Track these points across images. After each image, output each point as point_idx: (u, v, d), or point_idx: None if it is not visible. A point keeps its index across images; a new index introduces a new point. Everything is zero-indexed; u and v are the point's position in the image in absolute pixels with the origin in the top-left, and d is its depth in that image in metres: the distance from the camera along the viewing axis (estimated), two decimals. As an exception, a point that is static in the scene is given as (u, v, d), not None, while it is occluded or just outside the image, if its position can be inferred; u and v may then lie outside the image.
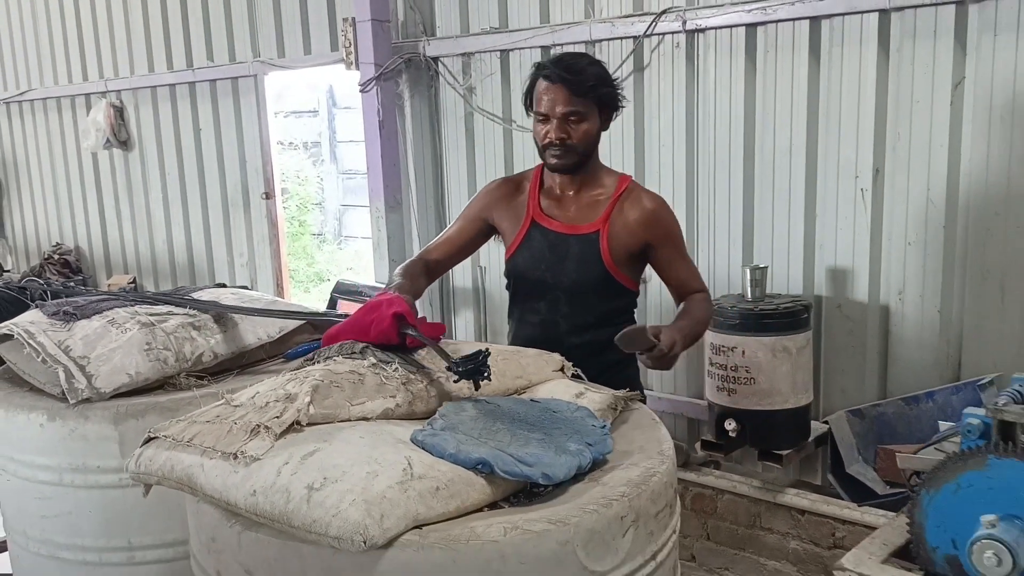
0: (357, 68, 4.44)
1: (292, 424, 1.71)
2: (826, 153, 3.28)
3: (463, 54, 4.31)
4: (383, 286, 4.48)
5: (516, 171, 4.23)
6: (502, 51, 4.17)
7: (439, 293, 4.70)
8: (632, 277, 2.48)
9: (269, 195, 5.47)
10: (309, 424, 1.75)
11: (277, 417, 1.72)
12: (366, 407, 1.86)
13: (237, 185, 5.73)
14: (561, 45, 3.93)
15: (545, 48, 4.01)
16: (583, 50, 3.83)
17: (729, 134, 3.49)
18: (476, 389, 1.91)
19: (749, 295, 3.18)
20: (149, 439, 1.81)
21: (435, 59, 4.42)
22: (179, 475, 1.71)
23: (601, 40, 3.80)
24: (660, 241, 2.42)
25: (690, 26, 3.49)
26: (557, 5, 3.96)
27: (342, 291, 4.60)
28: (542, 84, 2.34)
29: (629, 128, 3.79)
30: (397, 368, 1.99)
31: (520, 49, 4.10)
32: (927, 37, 2.99)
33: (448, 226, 2.61)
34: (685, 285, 2.45)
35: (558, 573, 1.59)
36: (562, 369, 2.31)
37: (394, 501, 1.53)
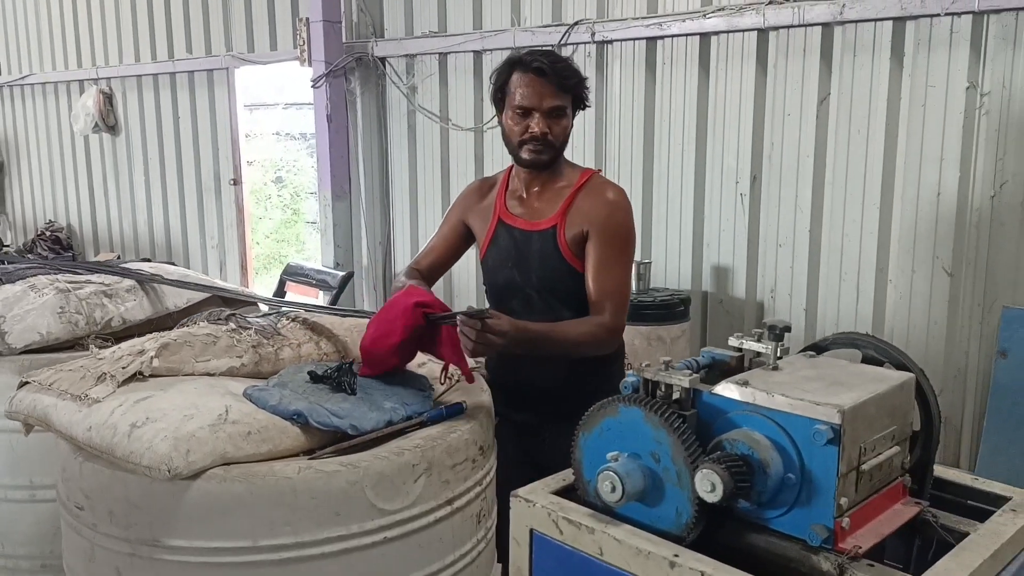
0: (310, 65, 4.74)
1: (136, 374, 2.00)
2: (712, 159, 3.53)
3: (406, 55, 4.60)
4: (329, 270, 4.79)
5: (451, 166, 4.54)
6: (440, 54, 4.45)
7: (382, 279, 4.99)
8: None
9: (236, 181, 5.78)
10: (155, 376, 2.04)
11: (123, 367, 2.01)
12: (211, 364, 2.14)
13: (210, 171, 6.06)
14: (490, 50, 4.21)
15: (477, 52, 4.29)
16: (507, 55, 4.10)
17: (631, 138, 3.75)
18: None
19: (633, 288, 3.43)
20: (23, 383, 2.11)
21: (382, 59, 4.71)
22: (39, 414, 2.00)
23: (524, 47, 4.05)
24: (596, 230, 2.26)
25: (598, 37, 3.75)
26: (488, 14, 4.24)
27: (290, 273, 4.88)
28: (524, 77, 2.23)
29: (548, 130, 4.05)
30: (251, 333, 2.28)
31: (456, 52, 4.37)
32: (797, 55, 3.24)
33: (433, 234, 2.57)
34: (595, 296, 2.24)
35: (347, 508, 1.85)
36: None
37: (202, 440, 1.81)
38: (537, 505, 1.44)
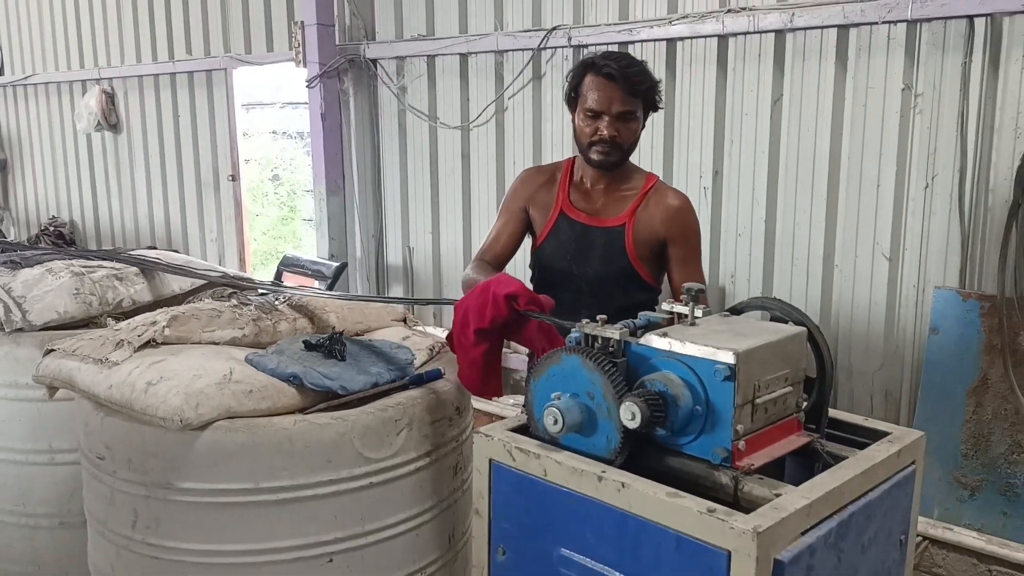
0: (305, 66, 5.01)
1: (149, 341, 2.28)
2: (679, 155, 3.81)
3: (397, 57, 4.87)
4: (324, 260, 5.06)
5: (439, 162, 4.82)
6: (428, 56, 4.72)
7: (375, 270, 5.26)
8: (653, 274, 2.47)
9: (234, 177, 6.05)
10: (166, 343, 2.31)
11: (139, 335, 2.29)
12: (216, 334, 2.42)
13: (209, 168, 6.32)
14: (475, 53, 4.48)
15: (463, 55, 4.56)
16: (491, 58, 4.38)
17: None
18: None
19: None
20: (48, 351, 2.38)
21: (374, 61, 4.98)
22: (64, 376, 2.28)
23: (506, 50, 4.35)
24: (677, 238, 2.41)
25: (575, 42, 4.03)
26: (473, 18, 4.51)
27: (287, 264, 5.16)
28: (596, 81, 2.31)
29: (528, 128, 4.33)
30: (251, 309, 2.55)
31: (443, 55, 4.65)
32: (753, 60, 3.52)
33: (494, 224, 2.60)
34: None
35: (337, 456, 2.12)
36: (404, 320, 2.88)
37: (209, 395, 2.08)
38: (495, 439, 1.71)
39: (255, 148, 11.23)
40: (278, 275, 5.23)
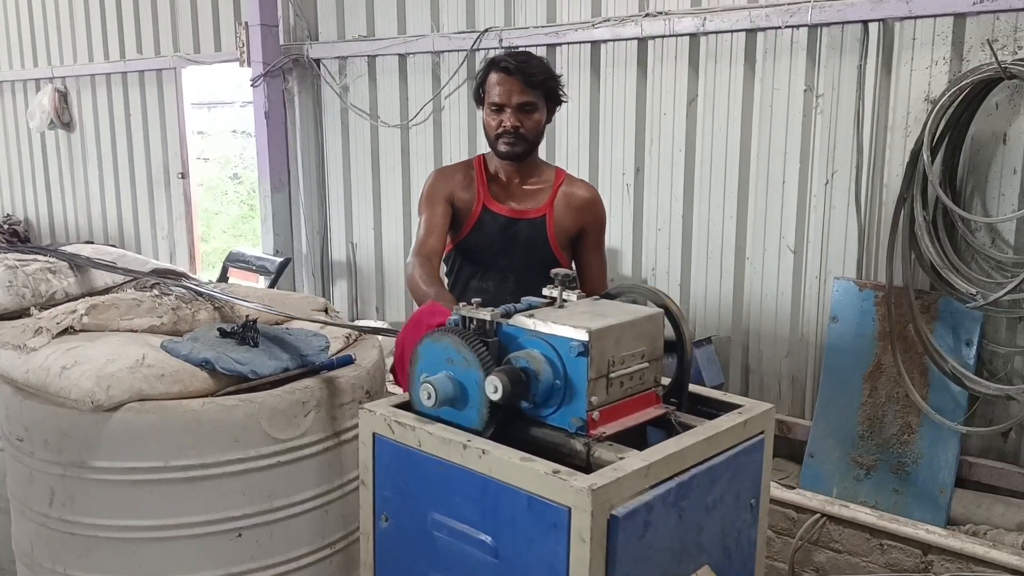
0: (250, 66, 5.10)
1: (68, 328, 2.38)
2: (603, 153, 3.97)
3: (339, 57, 4.99)
4: (269, 256, 5.16)
5: (380, 160, 4.94)
6: (369, 56, 4.84)
7: (320, 265, 5.37)
8: (572, 261, 2.66)
9: (184, 175, 6.12)
10: (84, 330, 2.42)
11: (58, 323, 2.39)
12: (134, 322, 2.53)
13: (160, 166, 6.39)
14: (413, 54, 4.61)
15: (401, 55, 4.69)
16: (428, 58, 4.51)
17: (534, 135, 4.16)
18: None
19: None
20: (-28, 339, 2.47)
21: (317, 61, 5.09)
22: (-15, 362, 2.37)
23: (442, 51, 4.48)
24: (590, 227, 2.61)
25: (505, 43, 4.16)
26: (411, 20, 4.64)
27: (233, 260, 5.25)
28: (496, 76, 2.47)
29: (464, 126, 4.47)
30: (172, 298, 2.66)
31: (383, 55, 4.77)
32: (670, 62, 3.68)
33: (421, 219, 2.65)
34: (592, 280, 2.61)
35: (245, 436, 2.23)
36: (325, 311, 3.00)
37: (121, 378, 2.19)
38: (377, 413, 1.84)
39: (214, 147, 11.26)
40: (224, 271, 5.32)
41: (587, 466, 1.65)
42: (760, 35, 3.44)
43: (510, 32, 4.16)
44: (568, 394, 1.69)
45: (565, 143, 4.08)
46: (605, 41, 3.85)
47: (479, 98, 2.57)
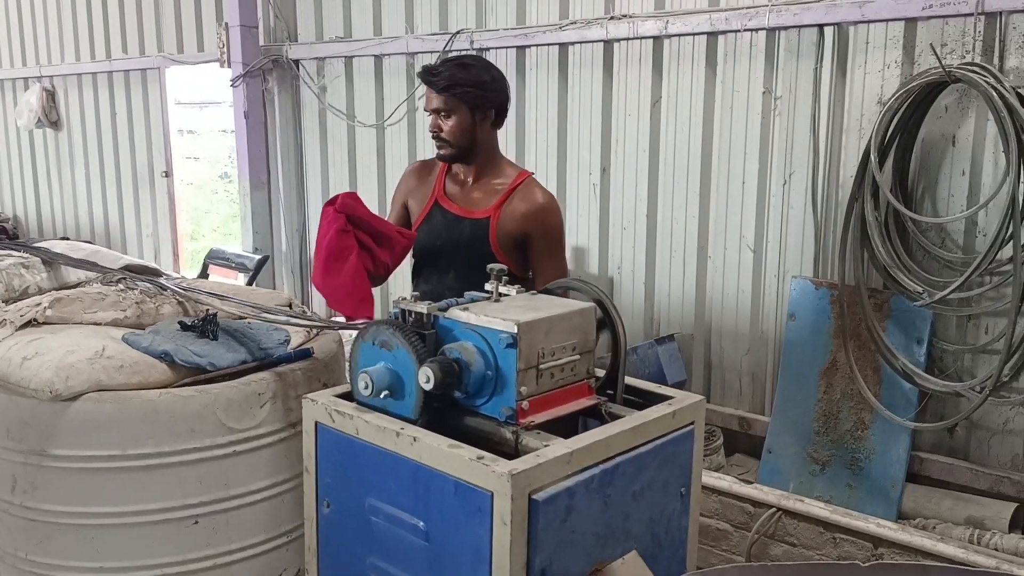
0: (230, 66, 5.17)
1: (31, 320, 2.44)
2: (571, 153, 4.04)
3: (317, 58, 5.05)
4: (248, 254, 5.22)
5: (357, 159, 5.01)
6: (346, 57, 4.91)
7: (299, 263, 5.44)
8: (518, 264, 2.64)
9: (168, 174, 6.19)
10: (48, 323, 2.48)
11: (21, 315, 2.46)
12: (98, 315, 2.59)
13: (144, 164, 6.46)
14: (388, 55, 4.68)
15: (377, 56, 4.76)
16: (403, 59, 4.59)
17: (505, 133, 4.21)
18: None
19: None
20: (-61, 331, 2.53)
21: (296, 61, 5.15)
22: (-51, 353, 2.43)
23: (416, 52, 4.55)
24: (537, 234, 2.61)
25: (477, 45, 4.23)
26: (387, 21, 4.71)
27: (213, 257, 5.32)
28: (424, 86, 2.63)
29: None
30: (136, 293, 2.73)
31: (359, 56, 4.84)
32: (635, 64, 3.75)
33: (388, 215, 2.82)
34: (541, 283, 2.57)
35: (201, 425, 2.28)
36: (289, 305, 3.06)
37: (80, 369, 2.25)
38: (319, 403, 1.91)
39: (206, 146, 11.32)
40: (204, 268, 5.38)
41: (515, 453, 1.72)
42: (720, 38, 3.51)
43: (481, 34, 4.23)
44: (499, 384, 1.76)
45: (534, 144, 4.15)
46: (572, 43, 3.92)
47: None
